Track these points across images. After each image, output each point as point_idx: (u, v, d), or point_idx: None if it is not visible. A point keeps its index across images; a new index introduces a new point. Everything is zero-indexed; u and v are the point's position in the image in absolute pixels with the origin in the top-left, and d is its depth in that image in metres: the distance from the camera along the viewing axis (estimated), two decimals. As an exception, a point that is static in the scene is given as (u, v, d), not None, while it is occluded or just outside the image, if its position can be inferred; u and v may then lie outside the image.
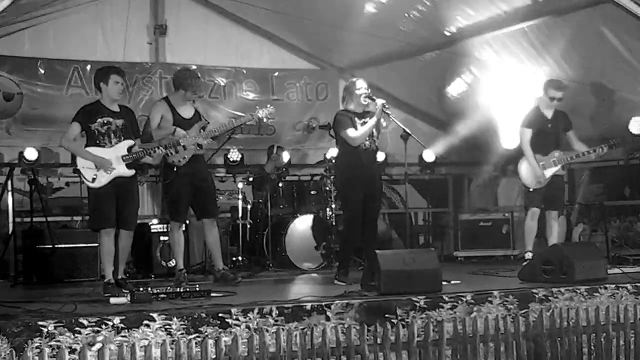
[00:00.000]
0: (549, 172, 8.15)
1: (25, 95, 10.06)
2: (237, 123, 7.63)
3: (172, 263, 8.51)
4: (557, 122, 8.23)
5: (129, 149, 6.92)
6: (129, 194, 6.96)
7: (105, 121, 6.87)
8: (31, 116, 10.07)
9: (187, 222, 8.50)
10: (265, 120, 7.76)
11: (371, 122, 7.18)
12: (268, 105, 7.63)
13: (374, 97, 7.27)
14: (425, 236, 12.15)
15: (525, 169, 8.22)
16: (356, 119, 7.31)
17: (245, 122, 7.65)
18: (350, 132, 7.23)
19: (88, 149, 6.84)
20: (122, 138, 6.92)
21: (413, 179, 11.54)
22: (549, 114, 8.21)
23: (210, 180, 7.79)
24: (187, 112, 7.52)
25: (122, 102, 7.35)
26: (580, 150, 8.12)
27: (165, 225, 8.78)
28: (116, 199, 6.85)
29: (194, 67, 10.38)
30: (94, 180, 6.79)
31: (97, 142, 6.84)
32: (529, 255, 8.09)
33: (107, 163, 6.78)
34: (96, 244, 8.20)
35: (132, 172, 6.95)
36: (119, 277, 6.98)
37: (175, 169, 7.33)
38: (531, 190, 8.21)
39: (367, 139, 7.27)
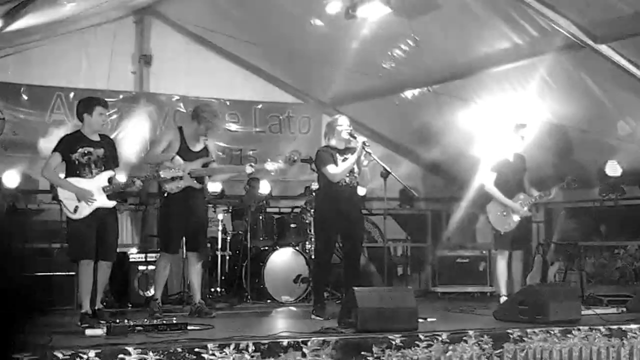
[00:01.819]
0: (516, 217, 8.28)
1: (7, 121, 10.05)
2: (238, 171, 7.82)
3: (150, 293, 8.54)
4: (519, 164, 8.42)
5: (110, 180, 6.92)
6: (109, 225, 6.95)
7: (86, 151, 6.86)
8: (12, 141, 10.06)
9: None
10: (272, 174, 7.82)
11: (351, 159, 7.27)
12: (280, 161, 7.72)
13: (355, 135, 7.38)
14: (404, 268, 12.19)
15: (494, 213, 8.34)
16: (337, 155, 7.39)
17: (247, 173, 7.74)
18: (331, 169, 7.30)
19: (68, 179, 6.84)
20: (103, 168, 6.91)
21: (392, 213, 11.62)
22: (513, 156, 8.38)
23: (205, 216, 7.86)
24: (197, 145, 7.59)
25: (104, 130, 7.36)
26: (533, 194, 8.29)
27: (144, 255, 8.82)
28: (96, 230, 6.83)
29: (177, 97, 10.49)
30: (75, 210, 6.78)
31: (78, 172, 6.82)
32: (504, 299, 8.15)
33: (88, 194, 6.77)
34: (73, 273, 8.24)
35: (113, 203, 6.95)
36: (96, 307, 6.95)
37: (166, 195, 7.39)
38: (502, 233, 8.32)
39: (348, 175, 7.34)
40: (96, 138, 6.99)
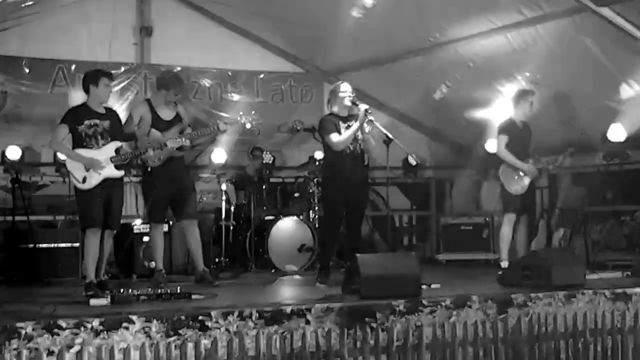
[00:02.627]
0: (527, 180, 8.25)
1: (9, 94, 10.03)
2: (214, 129, 7.65)
3: (154, 263, 8.62)
4: (526, 131, 8.42)
5: (117, 151, 6.96)
6: (115, 194, 7.01)
7: (92, 123, 6.90)
8: (15, 115, 10.04)
9: (170, 223, 8.57)
10: (248, 126, 7.79)
11: (353, 127, 7.24)
12: (252, 112, 7.72)
13: (358, 102, 7.33)
14: (409, 238, 12.21)
15: (508, 176, 8.30)
16: (341, 122, 7.36)
17: (222, 130, 7.67)
18: (334, 137, 7.28)
19: (76, 150, 6.87)
20: (109, 139, 6.96)
21: (396, 182, 11.62)
22: (520, 123, 8.36)
23: (189, 182, 7.91)
24: (167, 114, 7.65)
25: (109, 103, 7.37)
26: (541, 161, 8.33)
27: (148, 226, 8.80)
28: (104, 200, 6.88)
29: (178, 68, 10.43)
30: (84, 181, 6.81)
31: (85, 144, 6.87)
32: (505, 264, 8.15)
33: (97, 163, 6.81)
34: (77, 244, 8.30)
35: (121, 173, 7.01)
36: (101, 278, 6.99)
37: (149, 170, 7.41)
38: (513, 194, 8.28)
39: (352, 142, 7.32)
40: (102, 110, 7.04)
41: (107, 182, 6.88)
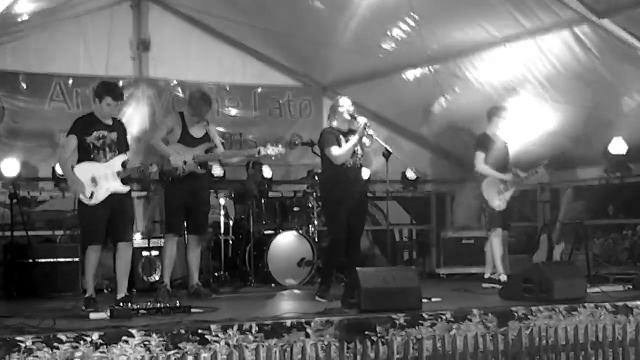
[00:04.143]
0: (508, 194, 8.30)
1: (6, 109, 9.99)
2: (241, 154, 8.13)
3: (153, 278, 8.71)
4: (503, 146, 8.52)
5: (124, 164, 6.86)
6: (124, 208, 6.90)
7: (100, 135, 6.79)
8: (12, 130, 10.00)
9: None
10: (273, 159, 7.85)
11: (353, 140, 7.24)
12: (279, 145, 7.77)
13: (356, 116, 7.35)
14: (409, 252, 12.16)
15: (489, 191, 8.33)
16: (341, 136, 7.37)
17: (252, 156, 7.91)
18: (334, 150, 7.28)
19: (82, 163, 6.77)
20: (116, 152, 6.85)
21: (396, 196, 11.59)
22: (495, 138, 8.46)
23: (206, 198, 7.98)
24: (198, 131, 7.72)
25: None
26: (520, 174, 8.39)
27: (147, 241, 8.85)
28: (110, 215, 6.77)
29: (175, 82, 10.43)
30: (91, 196, 6.70)
31: (92, 156, 6.75)
32: (504, 277, 8.15)
33: (81, 189, 6.69)
34: (77, 259, 8.28)
35: (127, 188, 6.91)
36: (123, 295, 6.82)
37: (170, 179, 7.44)
38: (497, 210, 8.29)
39: (352, 156, 7.32)
40: (109, 121, 6.92)
41: (113, 197, 6.76)
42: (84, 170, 6.73)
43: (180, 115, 7.78)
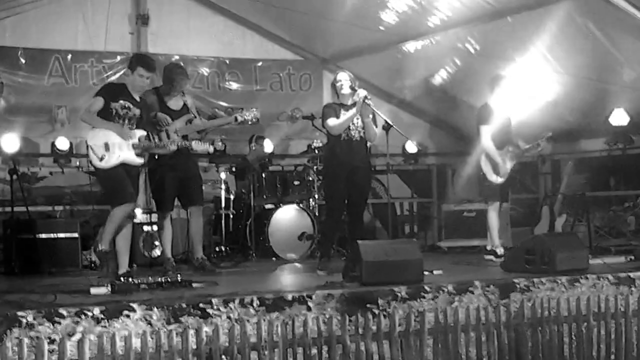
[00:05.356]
0: (509, 166, 8.21)
1: (5, 85, 9.95)
2: (220, 122, 7.98)
3: (155, 253, 8.68)
4: (506, 118, 8.34)
5: (140, 139, 6.83)
6: (133, 179, 6.82)
7: (126, 105, 6.77)
8: (11, 105, 9.97)
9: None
10: (250, 123, 7.78)
11: (350, 112, 7.23)
12: (254, 108, 7.75)
13: (356, 88, 7.30)
14: (410, 226, 12.16)
15: (487, 164, 8.26)
16: (342, 110, 7.34)
17: (229, 123, 7.83)
18: (330, 122, 7.29)
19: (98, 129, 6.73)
20: (135, 127, 6.84)
21: (397, 169, 11.57)
22: (497, 108, 8.28)
23: (195, 170, 7.88)
24: (175, 104, 7.63)
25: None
26: (522, 146, 8.26)
27: (148, 216, 8.83)
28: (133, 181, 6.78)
29: (176, 57, 10.38)
30: (102, 159, 6.64)
31: (113, 122, 6.73)
32: (500, 250, 8.12)
33: (126, 133, 6.69)
34: (76, 235, 8.27)
35: (140, 161, 6.88)
36: (124, 270, 6.79)
37: (156, 157, 7.38)
38: (494, 183, 8.25)
39: (352, 129, 7.29)
40: (137, 97, 6.93)
41: (124, 167, 6.71)
42: (98, 135, 6.69)
43: (154, 90, 7.62)
